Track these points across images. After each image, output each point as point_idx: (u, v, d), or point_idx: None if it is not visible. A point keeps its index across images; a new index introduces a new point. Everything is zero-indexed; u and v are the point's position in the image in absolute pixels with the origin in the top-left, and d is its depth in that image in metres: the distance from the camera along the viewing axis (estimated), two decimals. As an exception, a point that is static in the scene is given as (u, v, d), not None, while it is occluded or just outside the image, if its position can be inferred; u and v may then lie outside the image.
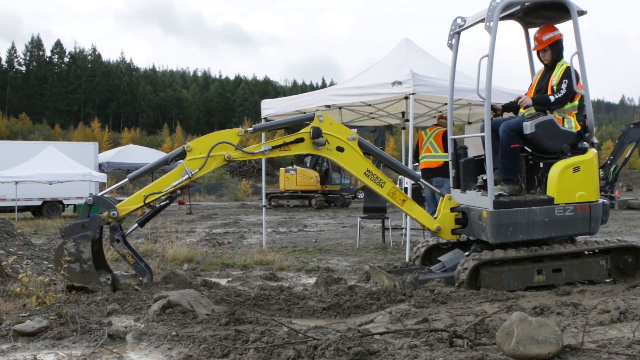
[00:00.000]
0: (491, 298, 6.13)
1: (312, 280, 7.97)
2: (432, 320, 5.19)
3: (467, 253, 7.36)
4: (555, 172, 7.01)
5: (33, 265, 7.98)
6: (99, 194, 6.86)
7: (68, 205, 25.25)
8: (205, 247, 12.15)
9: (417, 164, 11.69)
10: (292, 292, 6.86)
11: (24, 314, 5.62)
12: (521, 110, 7.53)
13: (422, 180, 7.61)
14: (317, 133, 6.91)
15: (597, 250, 7.23)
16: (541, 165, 7.19)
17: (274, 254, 10.46)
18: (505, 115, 7.76)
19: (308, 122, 7.10)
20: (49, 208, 24.17)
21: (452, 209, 7.43)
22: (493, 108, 7.48)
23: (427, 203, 11.14)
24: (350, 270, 9.04)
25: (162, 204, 6.98)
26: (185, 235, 13.51)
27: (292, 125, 7.96)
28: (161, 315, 5.47)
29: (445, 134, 10.51)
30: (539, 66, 7.67)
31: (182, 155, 6.84)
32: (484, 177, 7.10)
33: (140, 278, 6.76)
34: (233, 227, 18.23)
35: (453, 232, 7.47)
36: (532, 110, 7.04)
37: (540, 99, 7.11)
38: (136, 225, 7.07)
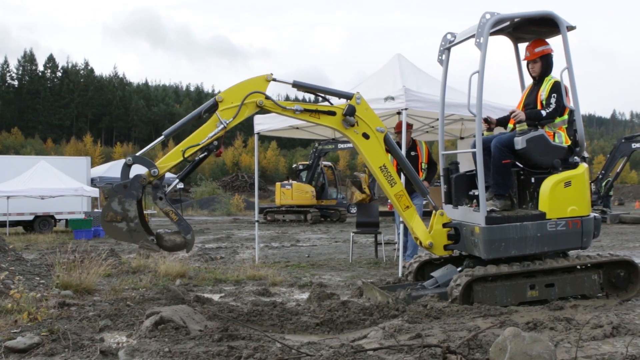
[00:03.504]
0: (484, 313, 6.14)
1: (305, 296, 7.96)
2: (426, 335, 5.19)
3: (459, 269, 7.36)
4: (547, 187, 7.04)
5: (25, 281, 7.95)
6: (137, 154, 6.52)
7: (60, 220, 25.15)
8: (197, 262, 12.12)
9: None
10: (285, 308, 6.84)
11: (15, 331, 5.59)
12: (510, 125, 7.58)
13: (429, 197, 7.54)
14: (351, 111, 6.84)
15: (589, 265, 7.26)
16: (533, 180, 7.22)
17: (267, 269, 10.44)
18: (496, 130, 7.80)
19: (345, 99, 7.06)
20: (41, 223, 24.07)
21: (445, 225, 7.42)
22: (487, 121, 7.54)
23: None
24: (343, 285, 9.03)
25: (200, 156, 6.71)
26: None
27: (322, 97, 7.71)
28: (154, 331, 5.45)
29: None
30: (529, 81, 7.73)
31: (214, 107, 6.68)
32: (477, 192, 7.12)
33: (184, 235, 6.48)
34: (225, 242, 18.19)
35: (445, 247, 7.43)
36: (525, 126, 7.07)
37: (533, 114, 7.16)
38: (177, 181, 6.93)
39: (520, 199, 7.42)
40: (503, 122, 7.76)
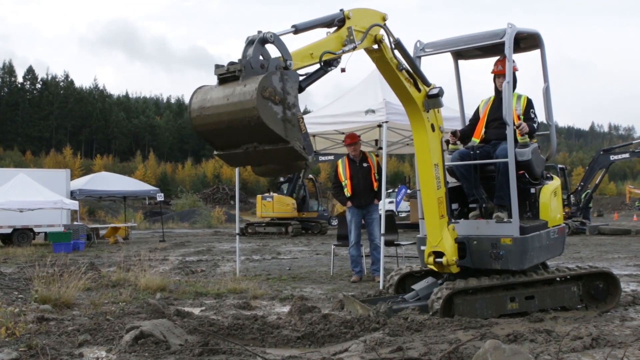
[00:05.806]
0: (465, 326, 6.16)
1: (286, 309, 7.93)
2: (407, 348, 5.20)
3: (440, 281, 7.38)
4: (546, 196, 7.35)
5: (2, 295, 7.87)
6: (277, 33, 5.08)
7: (39, 233, 24.86)
8: (178, 276, 12.04)
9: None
10: (266, 321, 6.81)
11: (-8, 346, 5.52)
12: (474, 139, 7.66)
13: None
14: (443, 93, 6.62)
15: (569, 277, 7.32)
16: (533, 190, 7.44)
17: (248, 282, 10.39)
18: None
19: (424, 83, 6.73)
20: (20, 236, 23.76)
21: (455, 240, 7.15)
22: (454, 134, 7.68)
23: (353, 227, 11.15)
24: (324, 298, 9.01)
25: (328, 69, 5.54)
26: (158, 263, 13.38)
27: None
28: (134, 346, 5.41)
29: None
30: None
31: (342, 20, 5.76)
32: (455, 206, 7.21)
33: (307, 154, 4.95)
34: (206, 254, 18.10)
35: (457, 264, 7.13)
36: (527, 139, 7.17)
37: (531, 128, 7.31)
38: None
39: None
40: (465, 135, 7.84)
